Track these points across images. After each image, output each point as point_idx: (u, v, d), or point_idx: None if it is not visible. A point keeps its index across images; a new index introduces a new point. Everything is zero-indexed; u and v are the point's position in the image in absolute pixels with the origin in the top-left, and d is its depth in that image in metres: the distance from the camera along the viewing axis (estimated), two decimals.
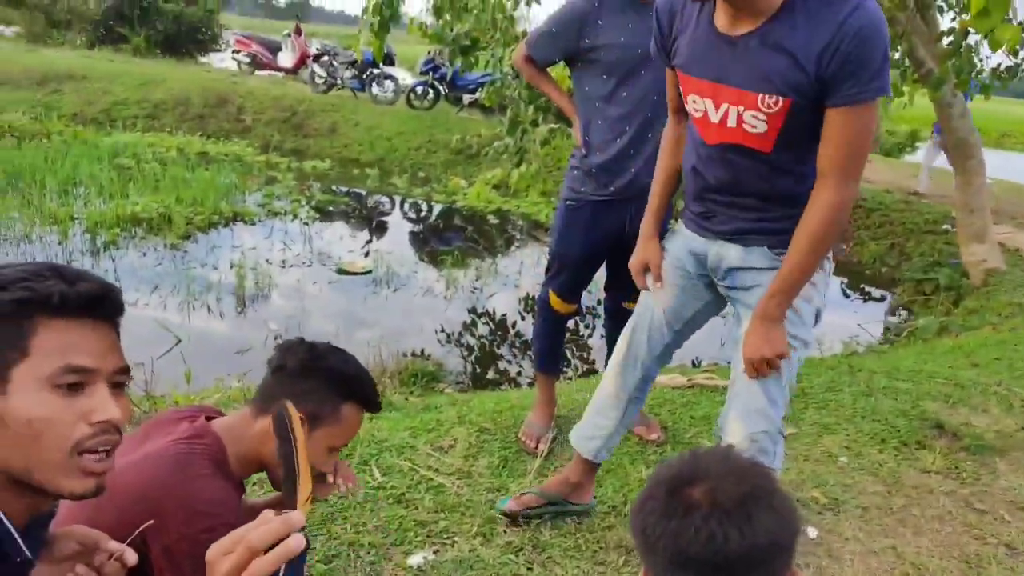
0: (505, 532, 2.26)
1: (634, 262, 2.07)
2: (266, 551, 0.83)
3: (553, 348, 2.84)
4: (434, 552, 2.14)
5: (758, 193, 1.75)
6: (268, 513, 0.88)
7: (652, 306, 2.03)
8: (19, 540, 0.93)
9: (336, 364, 1.52)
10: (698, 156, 1.83)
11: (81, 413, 0.94)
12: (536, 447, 2.69)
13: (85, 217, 6.52)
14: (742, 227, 1.80)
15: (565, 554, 2.19)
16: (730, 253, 1.83)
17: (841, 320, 5.97)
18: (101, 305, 0.98)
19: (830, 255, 1.80)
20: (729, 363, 3.25)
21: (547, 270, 2.75)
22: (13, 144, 8.67)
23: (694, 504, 0.87)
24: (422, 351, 4.77)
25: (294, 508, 0.98)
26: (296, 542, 0.83)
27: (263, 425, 1.47)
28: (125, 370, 1.01)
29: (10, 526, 0.92)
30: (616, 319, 2.79)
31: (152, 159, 8.72)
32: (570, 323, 3.02)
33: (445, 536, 2.22)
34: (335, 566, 2.04)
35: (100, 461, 0.96)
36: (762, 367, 1.72)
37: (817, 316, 1.83)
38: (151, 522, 1.24)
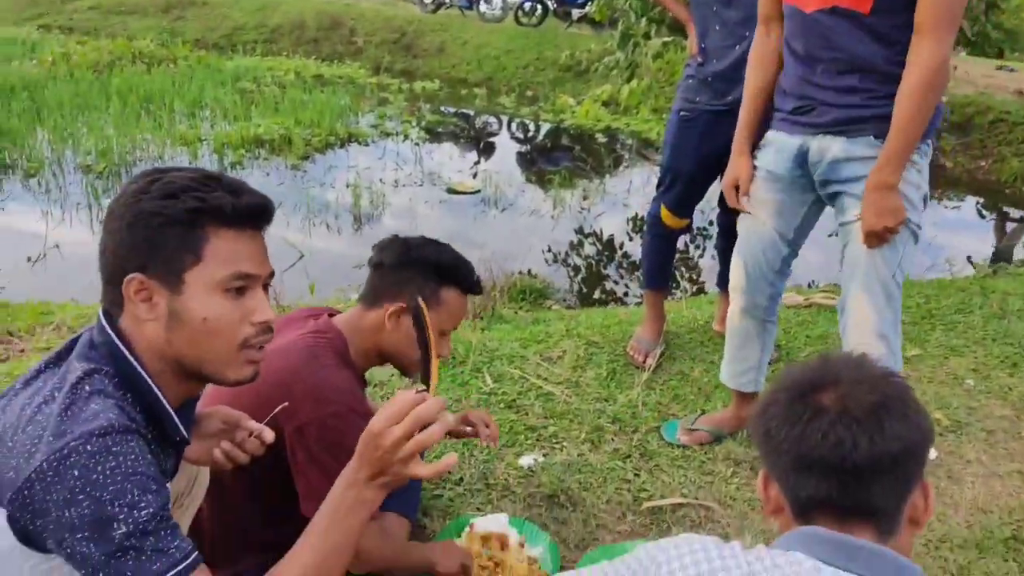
0: (613, 439, 2.31)
1: (726, 180, 2.06)
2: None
3: (663, 265, 2.81)
4: (543, 455, 2.22)
5: (858, 65, 1.73)
6: (406, 393, 0.98)
7: (758, 225, 2.02)
8: (178, 423, 1.04)
9: (431, 253, 1.59)
10: (795, 32, 1.82)
11: (245, 314, 1.04)
12: (644, 361, 2.71)
13: (212, 138, 6.85)
14: (844, 116, 1.78)
15: (672, 463, 2.23)
16: (833, 146, 1.82)
17: (975, 242, 5.59)
18: (261, 216, 1.07)
19: (929, 141, 1.79)
20: None
21: (658, 184, 2.70)
22: (143, 70, 9.15)
23: (823, 409, 0.85)
24: (528, 270, 4.82)
25: (427, 391, 1.10)
26: (452, 419, 0.98)
27: (373, 318, 1.57)
28: (272, 275, 1.11)
29: (171, 410, 1.03)
30: (730, 235, 2.72)
31: (271, 82, 9.02)
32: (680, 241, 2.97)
33: (554, 441, 2.30)
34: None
35: (258, 353, 1.08)
36: (884, 235, 1.74)
37: (924, 200, 1.82)
38: (285, 404, 1.36)
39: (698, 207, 2.74)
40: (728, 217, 2.73)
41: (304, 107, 7.92)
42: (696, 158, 2.53)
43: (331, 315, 1.64)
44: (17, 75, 8.06)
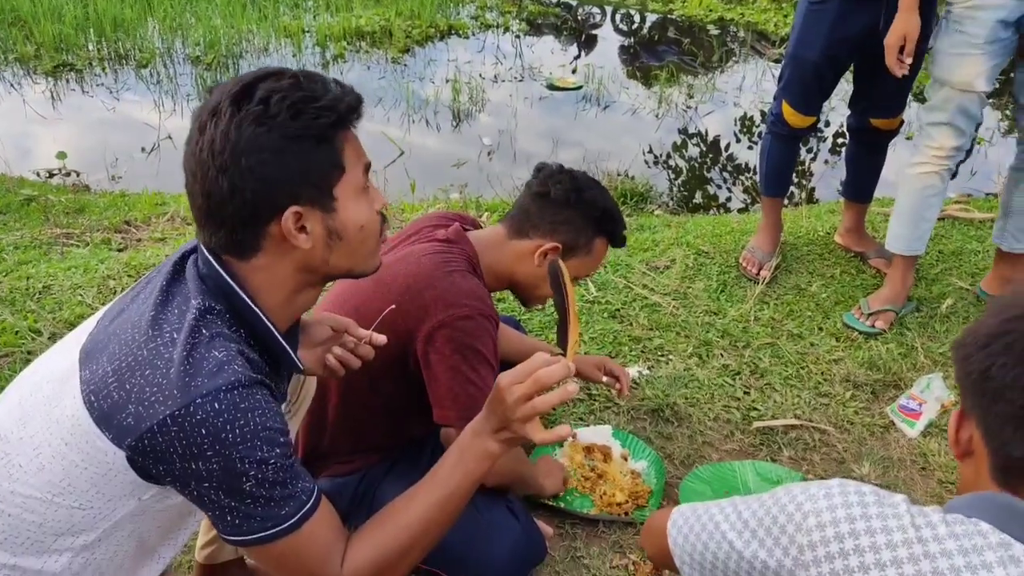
0: (722, 355, 2.22)
1: (891, 38, 2.05)
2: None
3: (783, 169, 2.61)
4: (648, 367, 2.16)
5: None
6: (541, 355, 0.94)
7: (962, 97, 2.08)
8: (295, 358, 1.02)
9: (598, 198, 1.52)
10: None
11: (376, 205, 1.01)
12: (758, 273, 2.56)
13: (315, 29, 6.80)
14: None
15: (785, 383, 2.12)
16: None
17: None
18: (359, 110, 1.00)
19: None
20: (988, 195, 2.89)
21: (779, 78, 2.46)
22: None
23: None
24: (626, 172, 4.63)
25: (563, 352, 1.07)
26: (573, 388, 0.92)
27: (518, 247, 1.52)
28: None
29: (287, 347, 1.00)
30: (862, 139, 2.50)
31: None
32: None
33: (659, 353, 2.22)
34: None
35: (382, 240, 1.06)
36: None
37: None
38: (392, 307, 1.32)
39: (827, 100, 2.50)
40: (861, 118, 2.49)
41: None
42: (825, 46, 2.28)
43: (464, 227, 1.57)
44: None
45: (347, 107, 0.94)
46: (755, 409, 2.03)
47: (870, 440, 1.95)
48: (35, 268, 2.46)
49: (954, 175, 2.32)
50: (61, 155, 3.99)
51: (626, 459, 1.80)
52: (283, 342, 0.99)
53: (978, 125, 2.27)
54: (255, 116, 0.89)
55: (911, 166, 2.24)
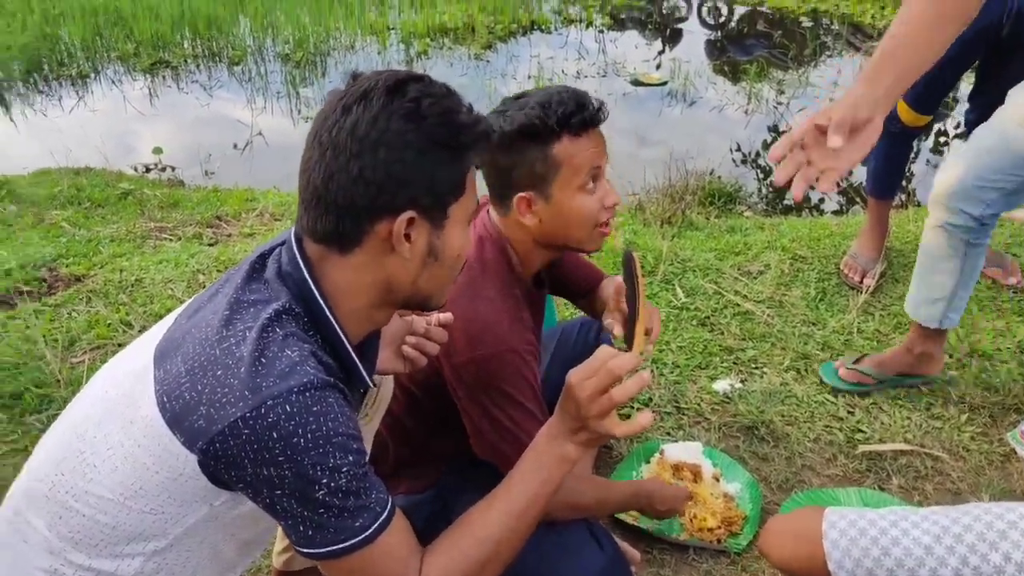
0: None
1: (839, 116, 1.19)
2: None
3: (894, 169, 2.44)
4: (741, 381, 2.05)
5: None
6: (606, 348, 0.93)
7: (1016, 131, 1.61)
8: (364, 374, 0.98)
9: (508, 121, 1.26)
10: None
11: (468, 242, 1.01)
12: (861, 280, 2.40)
13: (399, 26, 6.85)
14: None
15: (893, 402, 1.97)
16: None
17: None
18: (487, 141, 0.99)
19: None
20: None
21: None
22: None
23: None
24: (711, 171, 4.47)
25: (630, 342, 1.06)
26: (647, 376, 0.90)
27: (511, 219, 1.31)
28: None
29: (357, 361, 0.95)
30: None
31: None
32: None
33: (753, 366, 2.11)
34: None
35: None
36: None
37: None
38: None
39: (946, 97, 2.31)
40: (980, 112, 2.29)
41: None
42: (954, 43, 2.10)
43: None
44: None
45: (483, 132, 0.93)
46: (860, 431, 1.89)
47: (988, 470, 1.79)
48: (128, 261, 2.53)
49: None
50: (157, 150, 4.12)
51: (718, 480, 1.70)
52: (353, 355, 0.95)
53: None
54: (407, 112, 0.87)
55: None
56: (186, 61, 6.05)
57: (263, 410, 0.81)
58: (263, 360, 0.84)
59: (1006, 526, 0.69)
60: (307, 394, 0.82)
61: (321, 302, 0.92)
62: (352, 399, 1.00)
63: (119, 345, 2.08)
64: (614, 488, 1.49)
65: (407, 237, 0.90)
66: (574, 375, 0.92)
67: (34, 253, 2.55)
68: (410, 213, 0.89)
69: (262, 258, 0.97)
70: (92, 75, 5.75)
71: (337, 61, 6.25)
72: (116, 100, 5.36)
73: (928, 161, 4.55)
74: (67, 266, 2.48)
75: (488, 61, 6.37)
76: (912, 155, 4.65)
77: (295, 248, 0.93)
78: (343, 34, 6.68)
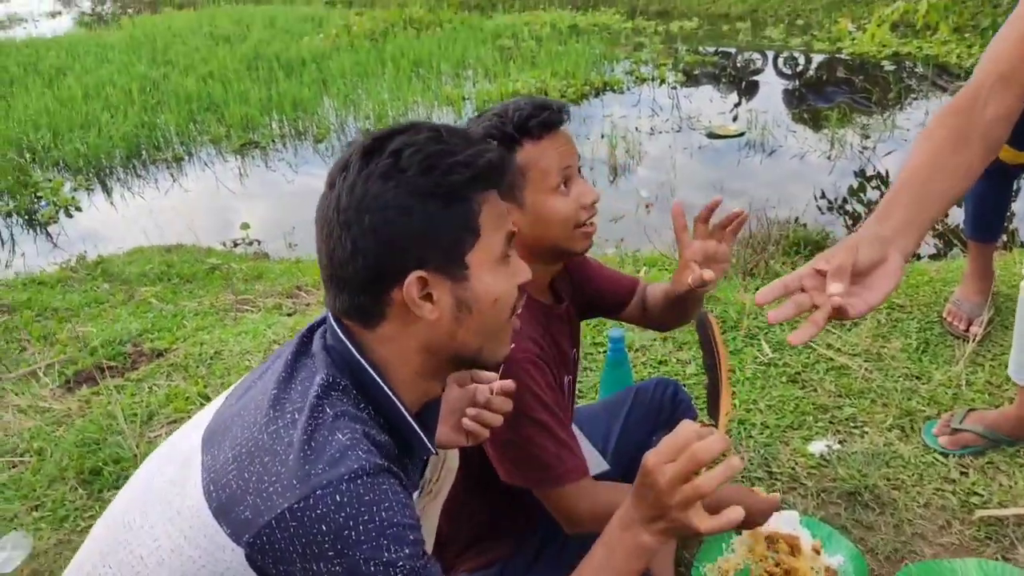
0: None
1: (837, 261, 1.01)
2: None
3: (994, 209, 2.26)
4: (839, 442, 1.89)
5: None
6: (688, 424, 0.83)
7: None
8: (425, 439, 0.91)
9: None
10: None
11: (517, 279, 0.92)
12: (967, 329, 2.22)
13: (474, 96, 7.03)
14: None
15: (1012, 461, 1.78)
16: None
17: None
18: (505, 171, 0.90)
19: None
20: None
21: None
22: (414, 35, 9.66)
23: None
24: (796, 219, 4.31)
25: (715, 420, 0.94)
26: (738, 463, 0.79)
27: None
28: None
29: (416, 427, 0.90)
30: None
31: (528, 37, 9.08)
32: None
33: (852, 425, 1.95)
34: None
35: (515, 320, 0.94)
36: None
37: None
38: (535, 351, 1.20)
39: None
40: None
41: (559, 59, 7.87)
42: None
43: None
44: (307, 49, 8.89)
45: (487, 164, 0.84)
46: (976, 494, 1.70)
47: None
48: (209, 334, 2.60)
49: None
50: (245, 226, 4.30)
51: (818, 552, 1.55)
52: (412, 422, 0.89)
53: None
54: (383, 170, 0.81)
55: None
56: (273, 141, 6.37)
57: (312, 500, 0.75)
58: (312, 445, 0.78)
59: None
60: (359, 482, 0.76)
61: (371, 371, 0.87)
62: (412, 474, 0.95)
63: None
64: None
65: (429, 298, 0.84)
66: (652, 457, 0.82)
67: (120, 329, 2.65)
68: (417, 274, 0.82)
69: (310, 332, 0.93)
70: (186, 158, 6.12)
71: None
72: (208, 180, 5.67)
73: None
74: (151, 341, 2.57)
75: None
76: (1014, 193, 4.37)
77: (333, 322, 0.89)
78: (420, 106, 6.91)
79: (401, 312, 0.85)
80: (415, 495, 1.03)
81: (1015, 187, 3.70)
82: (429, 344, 0.87)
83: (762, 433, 1.94)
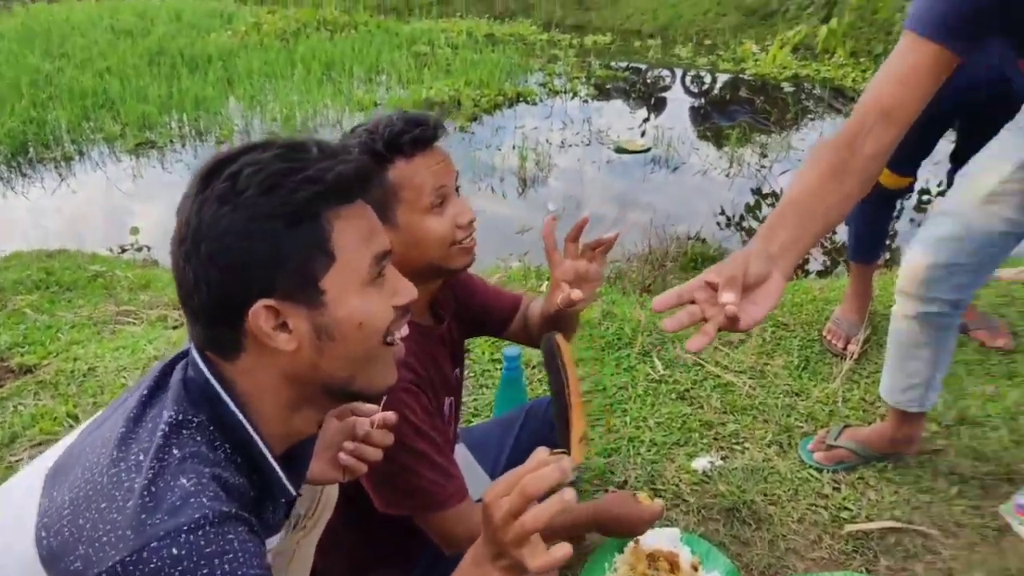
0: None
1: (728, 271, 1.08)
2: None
3: (874, 232, 2.38)
4: (722, 458, 1.94)
5: None
6: (542, 452, 0.80)
7: (984, 217, 1.56)
8: (286, 482, 0.87)
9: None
10: None
11: (392, 300, 0.86)
12: (845, 348, 2.32)
13: (387, 102, 6.94)
14: None
15: (880, 476, 1.87)
16: None
17: None
18: (367, 182, 0.84)
19: None
20: None
21: None
22: (327, 37, 9.47)
23: None
24: (696, 233, 4.45)
25: (566, 447, 0.94)
26: (570, 496, 0.76)
27: None
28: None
29: (277, 468, 0.85)
30: None
31: (444, 44, 9.05)
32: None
33: (735, 441, 2.01)
34: (614, 461, 1.94)
35: (398, 347, 0.89)
36: None
37: None
38: (409, 377, 1.18)
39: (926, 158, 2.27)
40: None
41: (474, 67, 7.87)
42: (936, 102, 2.07)
43: None
44: (214, 46, 8.58)
45: (338, 177, 0.79)
46: (846, 508, 1.78)
47: (981, 546, 1.68)
48: (85, 348, 2.45)
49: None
50: (134, 230, 4.10)
51: (696, 569, 1.58)
52: (271, 460, 0.84)
53: None
54: (219, 194, 0.76)
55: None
56: (172, 141, 6.11)
57: (145, 554, 0.69)
58: (152, 490, 0.72)
59: None
60: (200, 532, 0.71)
61: (231, 405, 0.81)
62: (272, 516, 0.90)
63: None
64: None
65: (283, 327, 0.79)
66: (490, 492, 0.79)
67: None
68: (263, 303, 0.77)
69: (172, 364, 0.87)
70: (77, 157, 5.79)
71: (324, 136, 6.31)
72: (98, 181, 5.38)
73: (912, 220, 4.53)
74: (20, 355, 2.40)
75: (473, 133, 6.44)
76: (895, 215, 4.63)
77: (195, 353, 0.83)
78: (331, 110, 6.77)
79: (257, 343, 0.80)
80: (281, 534, 0.98)
81: (897, 210, 3.92)
82: (292, 376, 0.83)
83: (650, 450, 1.98)
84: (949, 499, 1.80)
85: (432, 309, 1.36)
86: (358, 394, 0.89)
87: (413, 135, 1.17)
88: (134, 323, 2.74)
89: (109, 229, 4.40)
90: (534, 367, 2.35)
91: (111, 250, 3.98)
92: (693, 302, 1.02)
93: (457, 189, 1.25)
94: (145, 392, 0.83)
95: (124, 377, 2.25)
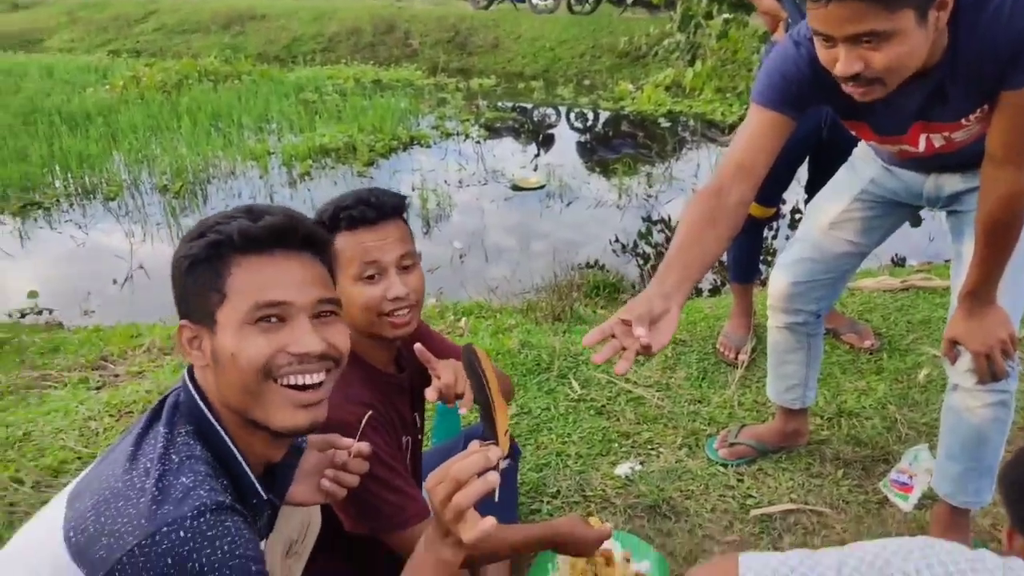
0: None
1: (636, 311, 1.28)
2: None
3: (749, 256, 2.70)
4: (640, 463, 2.15)
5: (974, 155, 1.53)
6: (474, 444, 0.96)
7: (830, 240, 1.87)
8: (255, 482, 1.00)
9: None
10: (895, 159, 1.70)
11: (280, 345, 0.96)
12: (736, 358, 2.61)
13: (280, 151, 6.96)
14: (961, 160, 1.60)
15: (777, 466, 2.13)
16: (949, 181, 1.68)
17: None
18: (285, 236, 0.98)
19: None
20: (947, 261, 2.97)
21: None
22: (210, 87, 9.36)
23: None
24: (596, 262, 4.73)
25: (494, 440, 1.07)
26: (493, 478, 0.92)
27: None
28: (330, 301, 1.01)
29: (247, 468, 0.99)
30: None
31: (332, 91, 9.12)
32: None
33: (650, 447, 2.23)
34: (546, 474, 2.12)
35: (306, 393, 0.98)
36: (997, 358, 1.53)
37: None
38: (370, 413, 1.30)
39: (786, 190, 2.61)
40: None
41: (365, 113, 7.97)
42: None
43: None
44: (92, 101, 8.34)
45: (241, 232, 0.95)
46: (751, 496, 2.02)
47: (867, 518, 1.95)
48: (13, 415, 2.42)
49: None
50: (32, 294, 3.98)
51: (628, 560, 1.77)
52: (243, 464, 0.98)
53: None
54: (184, 235, 1.00)
55: None
56: (58, 200, 5.91)
57: (157, 537, 0.83)
58: (160, 487, 0.87)
59: (889, 554, 0.85)
60: (202, 519, 0.85)
61: (206, 412, 0.97)
62: (258, 516, 1.02)
63: (11, 505, 1.98)
64: (516, 530, 1.49)
65: (195, 345, 0.98)
66: (430, 479, 0.94)
67: None
68: (182, 322, 0.98)
69: (169, 394, 1.01)
70: None
71: (218, 188, 6.26)
72: None
73: (788, 237, 4.98)
74: None
75: (371, 177, 6.54)
76: (770, 235, 5.08)
77: (186, 374, 1.00)
78: (223, 161, 6.73)
79: (188, 357, 1.00)
80: (270, 550, 1.10)
81: (767, 235, 4.32)
82: (219, 397, 0.99)
83: (576, 462, 2.16)
84: (836, 480, 2.08)
85: (396, 361, 1.50)
86: (265, 427, 0.98)
87: (348, 213, 1.32)
88: (55, 387, 2.71)
89: (3, 295, 4.24)
90: None
91: (10, 316, 3.85)
92: (613, 336, 1.24)
93: (407, 263, 1.38)
94: (147, 419, 0.99)
95: (62, 438, 2.24)
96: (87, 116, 7.77)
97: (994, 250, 1.49)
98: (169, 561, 0.82)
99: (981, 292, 1.53)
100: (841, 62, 1.28)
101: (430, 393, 1.37)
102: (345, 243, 1.33)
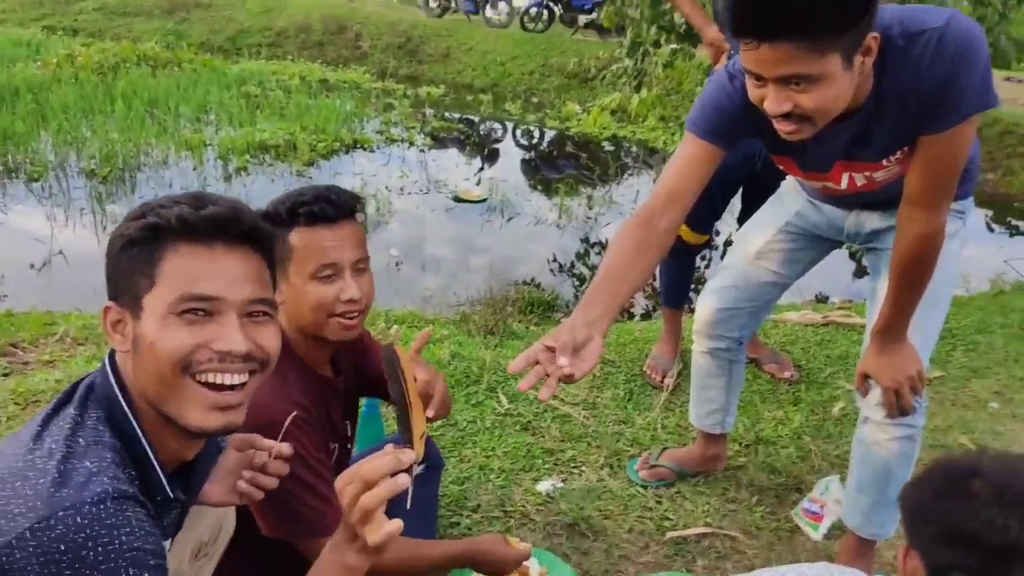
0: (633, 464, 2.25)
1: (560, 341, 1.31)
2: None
3: (681, 281, 2.76)
4: (562, 480, 2.17)
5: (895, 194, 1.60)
6: (388, 447, 0.94)
7: (754, 270, 1.93)
8: (163, 478, 0.96)
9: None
10: (819, 195, 1.77)
11: (203, 340, 0.93)
12: (662, 381, 2.65)
13: (217, 144, 6.79)
14: (881, 199, 1.68)
15: (694, 489, 2.17)
16: (870, 219, 1.75)
17: (987, 257, 5.53)
18: (229, 228, 0.95)
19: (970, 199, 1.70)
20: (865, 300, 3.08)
21: None
22: (148, 73, 9.08)
23: (976, 490, 0.91)
24: (532, 279, 4.76)
25: (409, 444, 1.05)
26: (403, 480, 0.90)
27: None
28: (263, 301, 0.98)
29: (155, 462, 0.95)
30: None
31: (276, 87, 8.95)
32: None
33: (572, 465, 2.24)
34: (467, 488, 2.10)
35: (224, 394, 0.94)
36: (905, 393, 1.59)
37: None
38: (295, 413, 1.26)
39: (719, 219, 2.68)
40: None
41: (309, 112, 7.85)
42: (718, 171, 2.47)
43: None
44: (21, 77, 7.98)
45: (180, 218, 0.92)
46: (668, 518, 2.05)
47: (778, 545, 2.00)
48: None
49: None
50: None
51: None
52: (152, 456, 0.94)
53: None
54: (126, 215, 0.97)
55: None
56: None
57: (52, 521, 0.79)
58: (62, 469, 0.84)
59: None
60: (102, 506, 0.81)
61: (123, 403, 0.93)
62: (165, 512, 0.98)
63: None
64: (435, 546, 1.48)
65: (118, 328, 0.95)
66: (339, 480, 0.92)
67: None
68: (109, 303, 0.95)
69: (84, 378, 0.97)
70: None
71: (148, 176, 6.07)
72: None
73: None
74: None
75: (311, 177, 6.44)
76: (703, 263, 5.20)
77: (107, 358, 0.96)
78: (156, 149, 6.52)
79: (111, 340, 0.96)
80: (182, 550, 1.06)
81: (700, 263, 4.42)
82: (136, 385, 0.95)
83: (499, 477, 2.16)
84: (751, 507, 2.13)
85: (333, 363, 1.47)
86: (176, 422, 0.94)
87: (311, 209, 1.30)
88: None
89: None
90: (388, 406, 2.47)
91: None
92: (538, 362, 1.26)
93: (361, 267, 1.36)
94: (58, 400, 0.95)
95: None
96: (15, 92, 7.42)
97: (907, 288, 1.55)
98: (62, 547, 0.78)
99: (893, 329, 1.59)
100: (770, 101, 1.33)
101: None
102: (301, 239, 1.31)
